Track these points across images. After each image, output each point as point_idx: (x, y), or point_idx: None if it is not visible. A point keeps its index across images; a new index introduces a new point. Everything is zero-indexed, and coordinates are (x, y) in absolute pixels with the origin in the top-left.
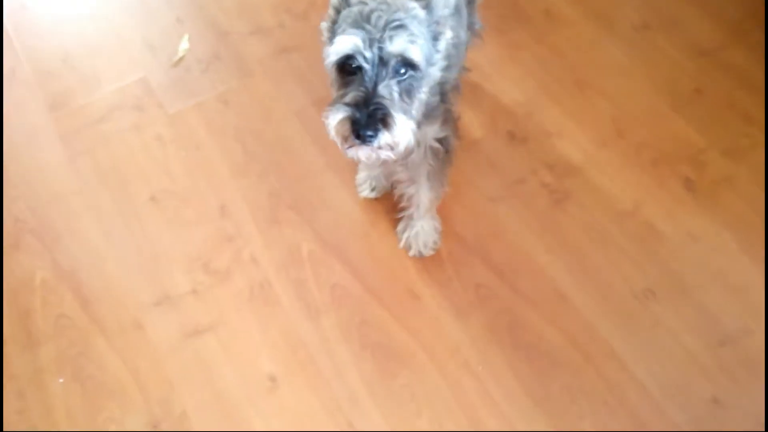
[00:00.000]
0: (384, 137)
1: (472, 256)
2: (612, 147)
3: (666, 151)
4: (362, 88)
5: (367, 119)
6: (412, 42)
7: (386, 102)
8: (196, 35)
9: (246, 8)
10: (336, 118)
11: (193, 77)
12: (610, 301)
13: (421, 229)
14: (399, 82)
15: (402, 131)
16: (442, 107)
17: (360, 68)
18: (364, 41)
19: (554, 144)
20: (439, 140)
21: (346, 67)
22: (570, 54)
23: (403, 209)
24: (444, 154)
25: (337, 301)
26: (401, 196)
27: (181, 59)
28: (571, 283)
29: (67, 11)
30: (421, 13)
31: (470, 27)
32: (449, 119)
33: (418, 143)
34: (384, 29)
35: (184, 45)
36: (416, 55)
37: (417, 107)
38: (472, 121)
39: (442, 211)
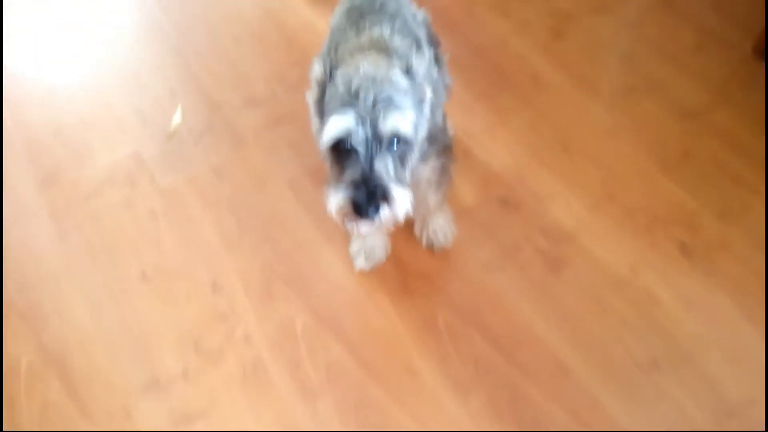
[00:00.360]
0: (384, 212)
1: (470, 328)
2: (605, 211)
3: (659, 214)
4: (358, 167)
5: (368, 199)
6: (402, 117)
7: (383, 178)
8: (189, 107)
9: (239, 79)
10: (337, 200)
11: (186, 149)
12: (613, 373)
13: (437, 225)
14: (392, 155)
15: (401, 203)
16: (433, 149)
17: (354, 149)
18: (356, 122)
19: (547, 209)
20: (435, 168)
21: (340, 146)
22: (558, 118)
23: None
24: (443, 171)
25: (333, 380)
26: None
27: (174, 131)
28: (572, 354)
29: (59, 83)
30: (404, 82)
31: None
32: (443, 150)
33: (420, 178)
34: (374, 107)
35: (177, 117)
36: (407, 129)
37: (411, 168)
38: (463, 188)
39: (437, 282)
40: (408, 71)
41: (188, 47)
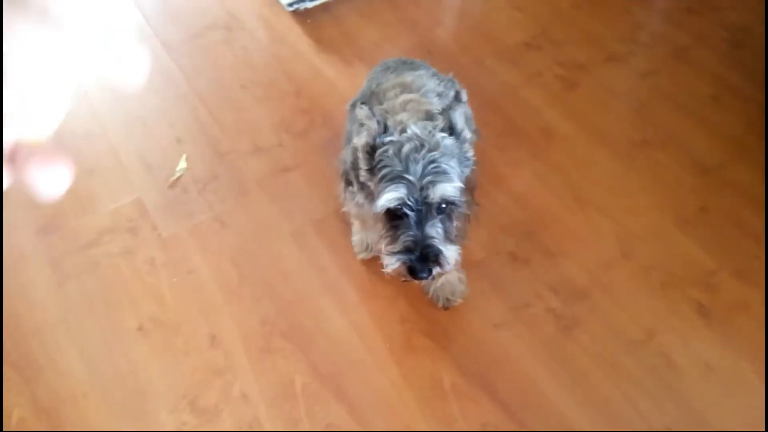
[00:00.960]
0: (436, 270)
1: (478, 390)
2: (619, 269)
3: (675, 273)
4: (411, 233)
5: (421, 262)
6: (450, 182)
7: (435, 242)
8: (194, 155)
9: (246, 128)
10: (393, 266)
11: (189, 198)
12: None
13: (446, 281)
14: (441, 219)
15: (451, 260)
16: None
17: (406, 214)
18: (407, 194)
19: (558, 265)
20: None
21: (392, 212)
22: (569, 170)
23: None
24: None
25: None
26: None
27: (178, 179)
28: (584, 420)
29: (63, 129)
30: (450, 141)
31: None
32: (468, 188)
33: None
34: (423, 176)
35: (181, 165)
36: (456, 192)
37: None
38: (471, 242)
39: (444, 340)
40: (451, 130)
41: (196, 94)
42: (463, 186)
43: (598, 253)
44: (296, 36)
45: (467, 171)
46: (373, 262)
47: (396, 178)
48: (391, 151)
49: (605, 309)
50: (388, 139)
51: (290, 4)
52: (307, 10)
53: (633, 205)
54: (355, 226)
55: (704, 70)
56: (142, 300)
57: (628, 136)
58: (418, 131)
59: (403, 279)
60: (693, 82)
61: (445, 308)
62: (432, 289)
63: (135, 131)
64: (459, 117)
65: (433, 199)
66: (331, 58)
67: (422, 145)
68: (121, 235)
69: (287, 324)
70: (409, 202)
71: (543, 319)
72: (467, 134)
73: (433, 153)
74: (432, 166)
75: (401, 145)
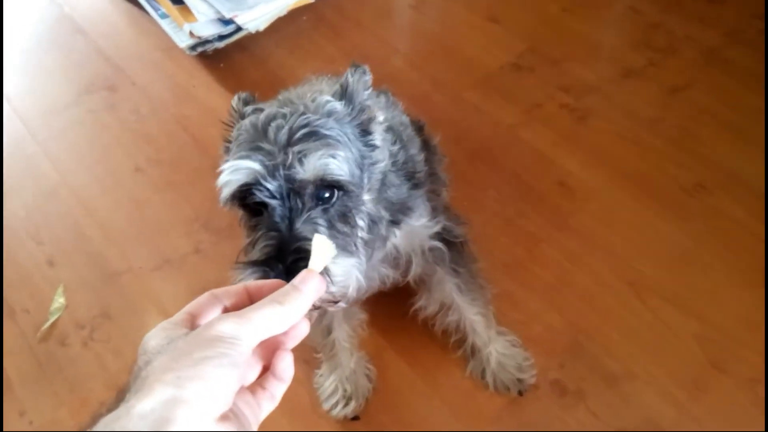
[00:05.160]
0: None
1: None
2: (713, 389)
3: None
4: (273, 234)
5: (287, 279)
6: (332, 155)
7: (309, 245)
8: (74, 283)
9: (147, 232)
10: (242, 280)
11: (71, 354)
12: None
13: (500, 356)
14: (325, 210)
15: (341, 277)
16: (420, 193)
17: (265, 204)
18: (263, 169)
19: (628, 396)
20: (437, 236)
21: (249, 200)
22: (610, 242)
23: (459, 342)
24: (453, 250)
25: None
26: (445, 329)
27: (53, 325)
28: None
29: None
30: (338, 105)
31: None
32: (438, 207)
33: (413, 251)
34: (288, 145)
35: (57, 302)
36: (341, 171)
37: (364, 227)
38: None
39: None
40: (343, 94)
41: (70, 190)
42: (354, 153)
43: (680, 368)
44: (206, 88)
45: (375, 154)
46: (356, 426)
47: (246, 149)
48: (248, 122)
49: None
50: (250, 108)
51: (192, 47)
52: (217, 51)
53: (709, 285)
54: (324, 366)
55: (749, 75)
56: None
57: (676, 180)
58: (291, 96)
59: None
60: (737, 91)
61: (521, 393)
62: (488, 376)
63: None
64: (355, 78)
65: (304, 177)
66: None
67: (292, 110)
68: None
69: None
70: (266, 183)
71: None
72: (367, 102)
73: (306, 116)
74: (304, 131)
75: (261, 111)
